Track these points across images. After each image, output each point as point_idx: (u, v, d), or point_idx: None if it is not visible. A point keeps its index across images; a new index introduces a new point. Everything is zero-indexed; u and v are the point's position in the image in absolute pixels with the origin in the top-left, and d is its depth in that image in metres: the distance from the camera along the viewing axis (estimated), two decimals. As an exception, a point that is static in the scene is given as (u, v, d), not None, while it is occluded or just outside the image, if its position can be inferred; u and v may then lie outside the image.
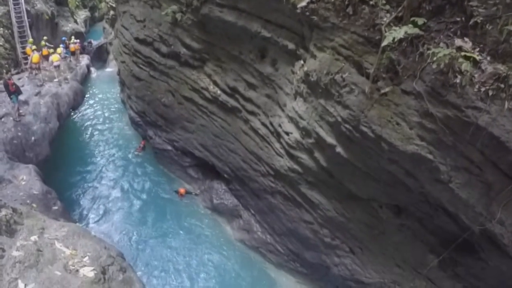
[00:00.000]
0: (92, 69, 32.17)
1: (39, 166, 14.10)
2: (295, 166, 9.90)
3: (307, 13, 7.64)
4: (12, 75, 17.72)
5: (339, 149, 7.89)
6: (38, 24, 26.62)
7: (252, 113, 11.59)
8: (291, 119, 9.57)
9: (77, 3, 41.43)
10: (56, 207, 12.25)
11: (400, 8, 5.90)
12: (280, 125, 10.13)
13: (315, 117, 8.44)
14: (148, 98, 16.51)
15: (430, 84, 5.45)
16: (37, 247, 7.11)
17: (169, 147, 16.94)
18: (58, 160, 17.25)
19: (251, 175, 12.42)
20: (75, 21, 36.91)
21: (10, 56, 21.93)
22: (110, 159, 19.23)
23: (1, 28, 22.17)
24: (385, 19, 6.03)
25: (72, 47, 27.67)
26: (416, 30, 5.40)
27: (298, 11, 7.80)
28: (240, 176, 13.10)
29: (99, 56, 36.19)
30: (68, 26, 33.19)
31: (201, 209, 15.64)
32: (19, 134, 14.65)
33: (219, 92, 12.66)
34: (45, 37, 24.81)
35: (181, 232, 14.40)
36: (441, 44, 5.30)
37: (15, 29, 22.90)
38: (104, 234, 13.58)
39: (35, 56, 19.98)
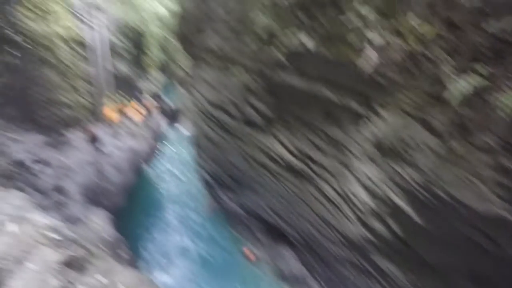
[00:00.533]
0: (167, 128, 34.18)
1: (112, 214, 15.07)
2: (367, 234, 9.31)
3: (373, 75, 7.64)
4: (95, 127, 19.55)
5: (413, 215, 7.31)
6: (119, 82, 28.89)
7: (322, 177, 11.37)
8: (362, 184, 9.18)
9: (154, 66, 45.68)
10: (124, 254, 12.83)
11: (461, 59, 5.65)
12: (351, 191, 9.76)
13: (387, 182, 8.02)
14: (220, 160, 17.09)
15: (502, 137, 5.00)
16: (104, 288, 7.36)
17: (239, 209, 17.09)
18: (130, 210, 18.17)
19: (321, 242, 11.90)
20: (152, 82, 39.94)
21: (92, 109, 24.13)
22: (179, 215, 19.86)
23: (87, 84, 24.51)
24: (447, 71, 5.80)
25: (148, 105, 30.15)
26: (482, 81, 5.11)
27: (364, 74, 7.87)
28: (310, 243, 12.62)
29: (173, 116, 38.43)
30: (145, 86, 35.79)
31: (266, 274, 15.14)
32: (98, 182, 15.94)
33: (289, 156, 12.72)
34: (123, 95, 27.01)
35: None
36: (508, 91, 4.92)
37: (98, 86, 25.09)
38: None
39: (110, 110, 22.03)
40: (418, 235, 7.56)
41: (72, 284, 6.85)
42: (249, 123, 14.37)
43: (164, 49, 51.59)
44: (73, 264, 7.49)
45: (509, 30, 5.01)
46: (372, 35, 7.57)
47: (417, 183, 6.76)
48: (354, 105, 9.22)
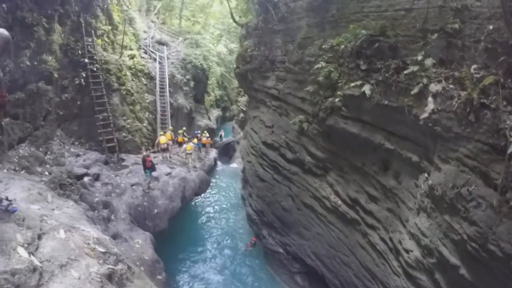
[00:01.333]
0: (219, 162, 35.64)
1: (155, 236, 15.54)
2: (412, 287, 9.07)
3: (430, 124, 7.82)
4: (151, 153, 20.74)
5: (463, 270, 7.14)
6: (178, 116, 30.73)
7: (371, 227, 11.32)
8: (412, 236, 9.08)
9: (211, 102, 47.43)
10: (160, 277, 13.16)
11: None
12: (400, 242, 9.65)
13: (438, 235, 7.94)
14: (269, 199, 17.43)
15: None
16: (140, 307, 7.66)
17: (281, 250, 17.12)
18: (173, 235, 18.82)
19: (362, 293, 11.61)
20: (209, 118, 41.83)
21: (150, 137, 25.70)
22: (219, 247, 20.36)
23: (147, 113, 26.47)
24: (508, 122, 5.89)
25: (204, 140, 31.41)
26: None
27: (421, 122, 8.05)
28: (350, 292, 12.32)
29: (226, 152, 40.30)
30: (202, 122, 37.48)
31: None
32: (145, 204, 16.79)
33: (339, 202, 12.80)
34: (183, 128, 28.45)
35: None
36: None
37: (158, 116, 26.90)
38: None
39: (162, 139, 23.25)
40: (467, 291, 7.34)
41: (112, 301, 7.14)
42: (302, 166, 14.70)
43: (223, 88, 54.26)
44: (113, 278, 7.75)
45: None
46: (431, 83, 7.85)
47: (470, 237, 6.68)
48: (410, 154, 9.37)
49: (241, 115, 37.80)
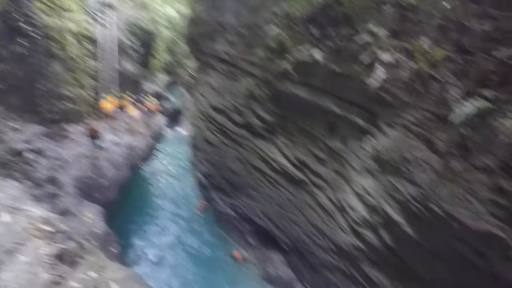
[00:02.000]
0: (166, 128, 34.21)
1: (105, 208, 15.04)
2: (359, 243, 9.82)
3: (379, 92, 8.12)
4: (96, 121, 19.64)
5: (406, 227, 7.84)
6: (124, 82, 28.47)
7: (319, 187, 11.85)
8: (358, 196, 9.70)
9: (160, 68, 45.56)
10: (113, 249, 12.86)
11: (468, 82, 6.12)
12: (346, 201, 10.27)
13: (383, 195, 8.55)
14: (217, 162, 17.44)
15: (502, 158, 5.51)
16: (94, 284, 7.54)
17: (231, 212, 17.46)
18: (123, 206, 18.29)
19: (311, 249, 12.34)
20: (156, 84, 39.91)
21: (95, 105, 23.69)
22: (171, 213, 20.23)
23: (92, 80, 24.38)
24: (454, 94, 6.31)
25: (150, 105, 30.41)
26: (488, 104, 5.56)
27: (371, 90, 8.30)
28: (300, 249, 13.04)
29: (174, 118, 39.43)
30: (148, 86, 35.72)
31: (254, 277, 15.45)
32: (92, 175, 15.87)
33: (287, 164, 13.13)
34: (128, 93, 26.70)
35: (232, 299, 14.27)
36: (510, 116, 5.40)
37: (103, 82, 24.99)
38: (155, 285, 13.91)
39: (105, 103, 22.14)
40: (410, 247, 8.09)
41: (63, 279, 6.98)
42: (251, 129, 14.71)
43: (171, 52, 51.61)
44: (65, 258, 7.59)
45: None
46: (382, 53, 8.03)
47: (413, 198, 7.28)
48: (358, 119, 9.72)
49: (190, 79, 36.50)
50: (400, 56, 7.59)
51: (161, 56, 45.58)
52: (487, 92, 5.72)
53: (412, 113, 7.42)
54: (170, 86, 50.71)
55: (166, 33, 43.70)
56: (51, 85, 19.22)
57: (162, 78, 46.43)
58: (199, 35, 17.75)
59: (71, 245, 8.18)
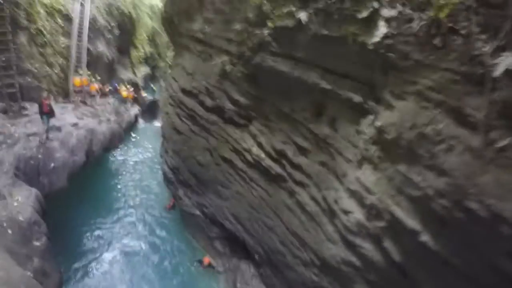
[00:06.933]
0: (141, 120, 33.96)
1: (51, 196, 13.43)
2: (352, 258, 7.33)
3: (381, 50, 5.93)
4: (53, 100, 18.66)
5: (424, 237, 5.40)
6: (97, 65, 28.03)
7: (300, 183, 9.43)
8: (353, 194, 7.24)
9: (140, 59, 44.42)
10: (38, 243, 10.78)
11: (502, 35, 4.12)
12: (336, 202, 7.80)
13: (389, 191, 6.13)
14: (184, 154, 15.24)
15: None
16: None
17: (198, 212, 15.17)
18: (70, 196, 16.09)
19: (289, 262, 9.90)
20: (134, 73, 39.10)
21: (61, 85, 23.18)
22: (133, 211, 18.07)
23: (61, 59, 23.57)
24: (484, 49, 4.25)
25: (124, 93, 29.11)
26: None
27: (370, 47, 6.15)
28: (275, 261, 10.62)
29: (151, 111, 38.20)
30: (125, 75, 35.03)
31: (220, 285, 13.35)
32: (39, 156, 14.15)
33: (263, 155, 10.79)
34: (98, 77, 26.42)
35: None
36: None
37: (72, 62, 24.20)
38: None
39: (77, 80, 21.93)
40: (425, 263, 5.65)
41: None
42: (222, 115, 12.47)
43: (153, 43, 49.95)
44: None
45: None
46: (383, 8, 5.92)
47: (440, 193, 4.90)
48: (352, 95, 7.39)
49: (169, 70, 34.95)
50: (405, 9, 5.52)
51: (142, 46, 44.22)
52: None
53: (428, 76, 5.17)
54: (151, 78, 49.37)
55: (147, 21, 42.84)
56: (13, 58, 18.02)
57: (142, 69, 45.25)
58: (176, 14, 15.92)
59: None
